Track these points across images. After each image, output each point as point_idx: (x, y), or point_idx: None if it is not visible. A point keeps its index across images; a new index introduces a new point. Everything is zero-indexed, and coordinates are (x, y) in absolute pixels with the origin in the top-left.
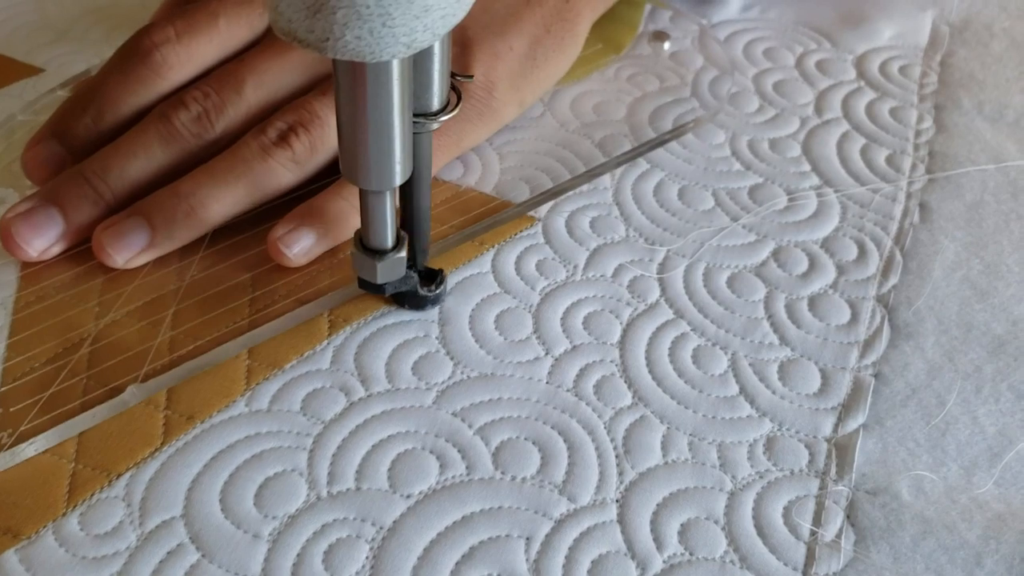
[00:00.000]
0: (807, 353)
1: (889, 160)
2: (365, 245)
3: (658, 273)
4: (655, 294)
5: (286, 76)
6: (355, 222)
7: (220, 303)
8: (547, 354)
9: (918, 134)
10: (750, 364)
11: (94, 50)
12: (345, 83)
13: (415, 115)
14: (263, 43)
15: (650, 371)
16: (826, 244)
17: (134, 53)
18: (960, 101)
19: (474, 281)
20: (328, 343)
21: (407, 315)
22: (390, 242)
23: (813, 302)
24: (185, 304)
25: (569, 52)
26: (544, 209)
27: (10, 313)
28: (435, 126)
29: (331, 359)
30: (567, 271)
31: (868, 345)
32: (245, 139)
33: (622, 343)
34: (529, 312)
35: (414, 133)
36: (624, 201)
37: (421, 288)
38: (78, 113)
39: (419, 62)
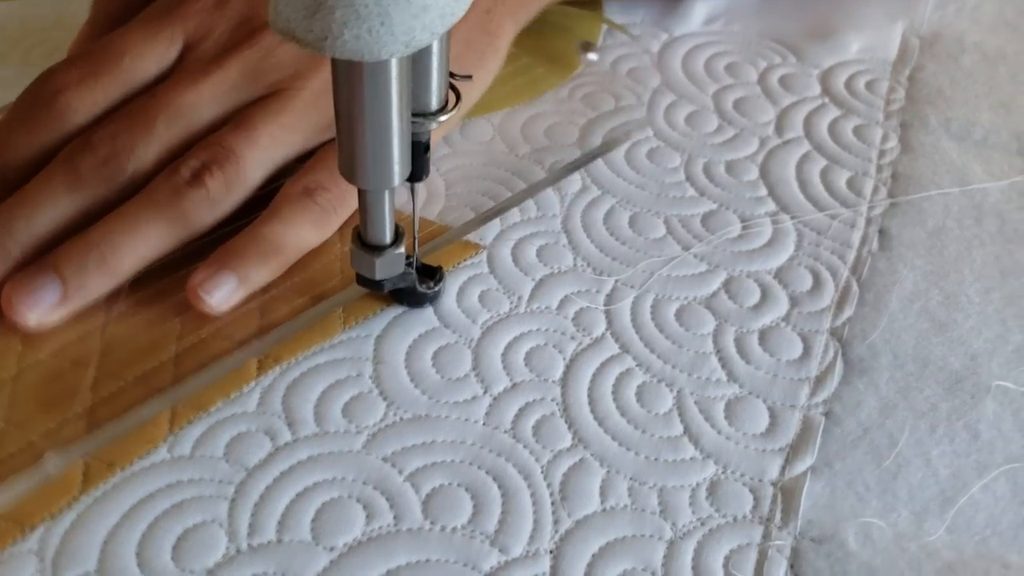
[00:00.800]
0: (756, 390)
1: (850, 183)
2: (363, 241)
3: (605, 305)
4: (601, 327)
5: (200, 110)
6: (279, 263)
7: (144, 358)
8: (485, 393)
9: (882, 154)
10: (696, 402)
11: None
12: (343, 82)
13: (413, 114)
14: (174, 76)
15: (592, 410)
16: (780, 274)
17: (36, 98)
18: (927, 119)
19: (413, 315)
20: (256, 384)
21: (340, 352)
22: (388, 238)
23: (764, 336)
24: (106, 361)
25: (490, 66)
26: (491, 236)
27: None
28: (434, 125)
29: (258, 401)
30: (511, 303)
31: (820, 382)
32: (157, 180)
33: (564, 380)
34: (469, 348)
35: (412, 132)
36: (573, 228)
37: (420, 285)
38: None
39: (418, 61)
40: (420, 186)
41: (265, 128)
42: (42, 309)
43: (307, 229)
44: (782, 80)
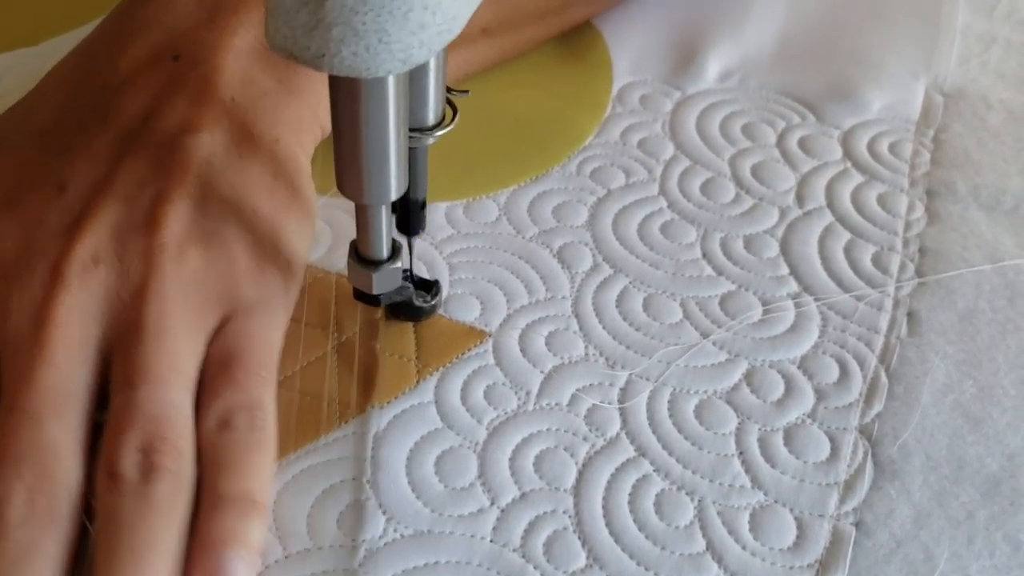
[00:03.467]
0: (781, 498)
1: (875, 260)
2: (360, 256)
3: (619, 401)
4: (615, 427)
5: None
6: (261, 517)
7: None
8: (493, 504)
9: (908, 226)
10: (719, 513)
11: None
12: (341, 99)
13: (411, 130)
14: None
15: (607, 524)
16: (804, 364)
17: None
18: (954, 185)
19: (414, 415)
20: None
21: (334, 452)
22: (386, 253)
23: (789, 435)
24: None
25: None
26: (496, 321)
27: None
28: (431, 140)
29: None
30: (519, 399)
31: (849, 487)
32: (102, 494)
33: (577, 489)
34: (474, 452)
35: (410, 148)
36: (584, 313)
37: (416, 299)
38: None
39: (415, 77)
40: (425, 271)
41: (155, 373)
42: None
43: (264, 464)
44: (801, 142)
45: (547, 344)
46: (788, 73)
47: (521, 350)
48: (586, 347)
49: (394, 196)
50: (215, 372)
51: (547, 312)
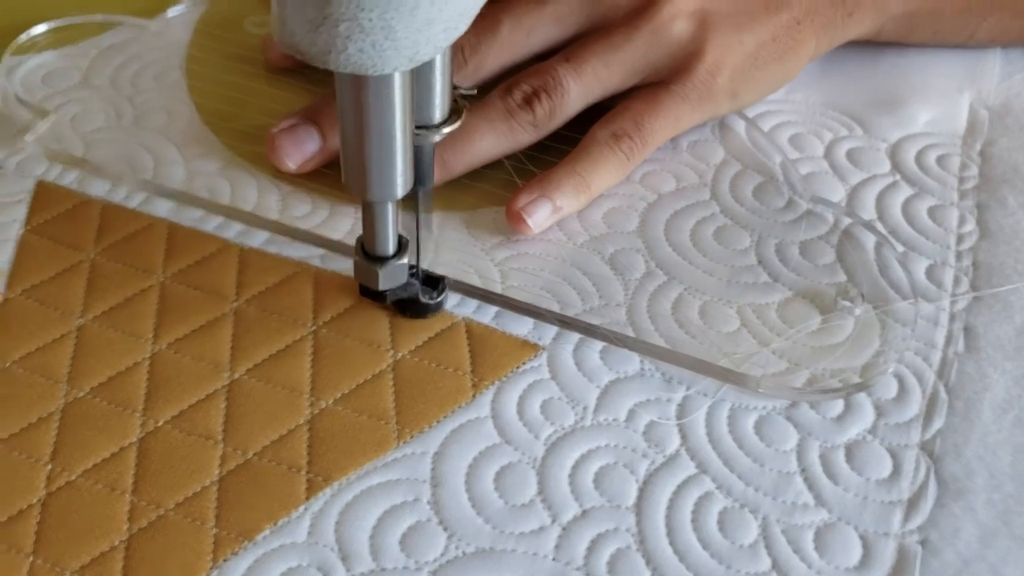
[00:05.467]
0: (845, 516)
1: (929, 273)
2: (367, 252)
3: (678, 417)
4: (674, 443)
5: (540, 25)
6: (587, 197)
7: (185, 481)
8: (554, 522)
9: (960, 239)
10: (783, 531)
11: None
12: (348, 95)
13: (417, 127)
14: None
15: (671, 542)
16: (862, 377)
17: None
18: (1004, 199)
19: (471, 429)
20: (305, 509)
21: (395, 472)
22: (391, 249)
23: (850, 451)
24: (144, 484)
25: (788, 66)
26: (549, 335)
27: None
28: (437, 138)
29: (308, 529)
30: (576, 414)
31: (912, 505)
32: (492, 98)
33: (639, 506)
34: (533, 468)
35: (416, 145)
36: (639, 323)
37: (422, 295)
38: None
39: (421, 75)
40: (477, 280)
41: (591, 64)
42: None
43: (611, 172)
44: (850, 154)
45: (602, 358)
46: (833, 86)
47: (576, 363)
48: (641, 361)
49: (400, 193)
50: (631, 100)
51: (601, 321)
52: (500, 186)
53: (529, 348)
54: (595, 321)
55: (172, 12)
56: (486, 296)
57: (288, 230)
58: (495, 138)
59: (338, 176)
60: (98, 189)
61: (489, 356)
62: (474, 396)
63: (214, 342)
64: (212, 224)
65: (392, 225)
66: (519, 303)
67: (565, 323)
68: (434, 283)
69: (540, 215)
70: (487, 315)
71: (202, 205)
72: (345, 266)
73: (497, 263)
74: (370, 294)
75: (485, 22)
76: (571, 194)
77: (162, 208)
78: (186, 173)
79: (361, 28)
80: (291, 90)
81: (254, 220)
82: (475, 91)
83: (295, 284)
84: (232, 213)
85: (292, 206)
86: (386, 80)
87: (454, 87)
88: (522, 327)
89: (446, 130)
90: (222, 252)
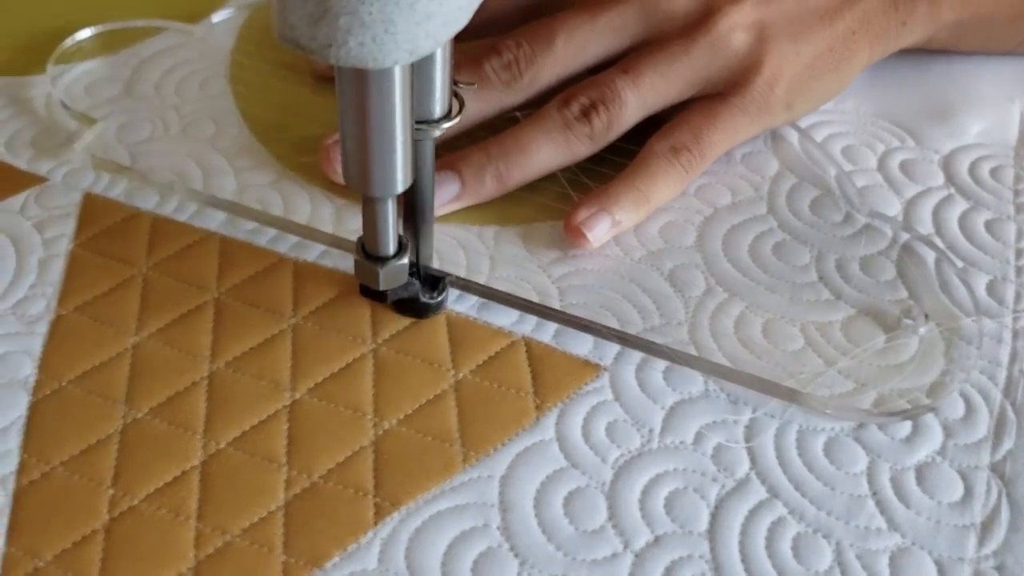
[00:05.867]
0: (919, 540)
1: (990, 289)
2: (367, 252)
3: (746, 440)
4: (744, 467)
5: (594, 38)
6: (646, 211)
7: (250, 505)
8: (626, 548)
9: (1019, 254)
10: (857, 556)
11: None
12: (347, 89)
13: (417, 122)
14: (577, 4)
15: (746, 569)
16: (930, 397)
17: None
18: None
19: (537, 452)
20: (374, 534)
21: (463, 496)
22: (392, 249)
23: (921, 474)
24: (209, 509)
25: (842, 76)
26: (611, 354)
27: (10, 494)
28: (437, 133)
29: (378, 556)
30: (642, 437)
31: (986, 529)
32: (549, 110)
33: (711, 532)
34: (602, 492)
35: (416, 140)
36: (702, 342)
37: (423, 295)
38: None
39: (421, 69)
40: (534, 297)
41: (648, 76)
42: (439, 203)
43: (670, 186)
44: (903, 166)
45: (665, 378)
46: (883, 95)
47: (639, 384)
48: (705, 381)
49: (400, 188)
50: (689, 112)
51: (663, 340)
52: (555, 199)
53: (591, 368)
54: (657, 340)
55: (216, 17)
56: (544, 313)
57: (343, 243)
58: (552, 150)
59: None
60: (147, 202)
61: (550, 376)
62: (537, 418)
63: (273, 360)
64: (265, 237)
65: (392, 224)
66: (579, 320)
67: (626, 341)
68: (434, 282)
69: (599, 229)
70: (547, 333)
71: (255, 217)
72: None
73: (555, 279)
74: (371, 294)
75: (539, 35)
76: (630, 208)
77: (213, 221)
78: (237, 185)
79: (361, 22)
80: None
81: (308, 233)
82: (474, 84)
83: (352, 299)
84: (286, 225)
85: (346, 219)
86: (386, 74)
87: (454, 82)
88: (582, 346)
89: (446, 125)
90: (277, 266)
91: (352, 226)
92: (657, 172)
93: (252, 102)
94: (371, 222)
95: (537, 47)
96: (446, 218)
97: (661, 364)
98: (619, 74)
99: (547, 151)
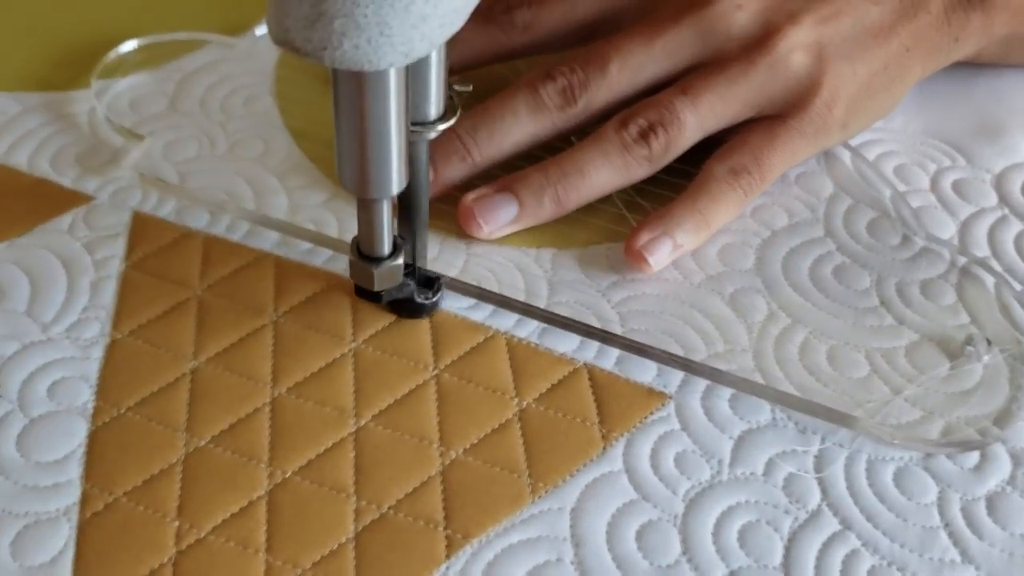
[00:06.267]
0: (994, 573)
1: None
2: (362, 253)
3: (816, 470)
4: (815, 498)
5: (650, 62)
6: (706, 235)
7: (320, 538)
8: None
9: None
10: None
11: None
12: (343, 91)
13: (413, 124)
14: (632, 27)
15: None
16: (997, 426)
17: (489, 8)
18: None
19: (606, 484)
20: (447, 568)
21: (534, 529)
22: (387, 249)
23: (991, 504)
24: (277, 543)
25: (895, 94)
26: (675, 384)
27: (75, 526)
28: (432, 135)
29: None
30: (711, 468)
31: None
32: (607, 131)
33: (786, 565)
34: (674, 526)
35: (411, 142)
36: (767, 369)
37: (418, 296)
38: None
39: (417, 71)
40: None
41: (707, 97)
42: (497, 225)
43: (730, 208)
44: (956, 186)
45: (732, 407)
46: (931, 111)
47: (706, 413)
48: (772, 409)
49: (395, 190)
50: (747, 134)
51: (727, 366)
52: (611, 221)
53: (656, 396)
54: (722, 367)
55: (260, 30)
56: (607, 339)
57: None
58: (610, 172)
59: (445, 210)
60: (197, 221)
61: (615, 405)
62: (604, 448)
63: (335, 386)
64: (321, 258)
65: (387, 225)
66: (643, 347)
67: (691, 369)
68: (429, 283)
69: (661, 253)
70: (609, 360)
71: (310, 238)
72: (461, 306)
73: (615, 304)
74: (366, 295)
75: (594, 60)
76: (692, 231)
77: (267, 241)
78: (289, 205)
79: (356, 24)
80: None
81: None
82: (470, 87)
83: (411, 324)
84: (341, 247)
85: None
86: (381, 76)
87: (449, 84)
88: (646, 373)
89: (441, 127)
90: (333, 289)
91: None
92: (718, 195)
93: (300, 119)
94: (366, 223)
95: (591, 72)
96: (502, 240)
97: (727, 392)
98: (678, 95)
99: (606, 173)
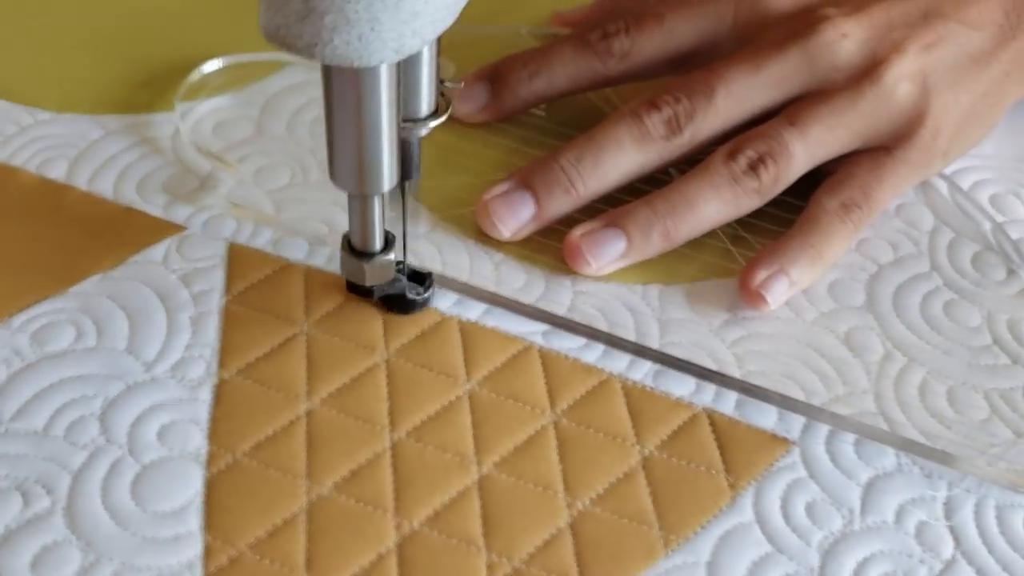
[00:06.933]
0: None
1: None
2: (353, 248)
3: (946, 517)
4: (949, 547)
5: (755, 92)
6: (821, 270)
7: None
8: None
9: None
10: None
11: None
12: (334, 88)
13: (404, 120)
14: (736, 56)
15: None
16: None
17: (585, 35)
18: None
19: (739, 535)
20: None
21: None
22: (378, 245)
23: None
24: (412, 569)
25: (992, 120)
26: (797, 429)
27: None
28: (423, 131)
29: None
30: (842, 516)
31: None
32: (715, 163)
33: None
34: None
35: (403, 138)
36: (890, 412)
37: (409, 291)
38: (516, 66)
39: (408, 68)
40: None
41: (816, 129)
42: (605, 261)
43: (841, 243)
44: None
45: (857, 451)
46: (1017, 135)
47: (831, 459)
48: (897, 456)
49: (387, 187)
50: (854, 167)
51: (851, 409)
52: (717, 255)
53: (779, 443)
54: (843, 411)
55: None
56: (726, 382)
57: (505, 302)
58: (720, 205)
59: (549, 243)
60: (295, 252)
61: (739, 452)
62: (733, 498)
63: (455, 430)
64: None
65: (379, 220)
66: (763, 391)
67: (814, 414)
68: (421, 279)
69: (778, 291)
70: (728, 404)
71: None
72: (571, 346)
73: (729, 344)
74: (357, 290)
75: (699, 89)
76: (806, 267)
77: None
78: None
79: (347, 20)
80: (488, 145)
81: (470, 291)
82: (461, 83)
83: (523, 365)
84: (446, 283)
85: (507, 276)
86: (372, 73)
87: (440, 80)
88: (766, 417)
89: (432, 123)
90: (442, 326)
91: (514, 283)
92: (829, 229)
93: None
94: (357, 219)
95: (697, 101)
96: (607, 276)
97: (849, 436)
98: (786, 126)
99: (715, 206)
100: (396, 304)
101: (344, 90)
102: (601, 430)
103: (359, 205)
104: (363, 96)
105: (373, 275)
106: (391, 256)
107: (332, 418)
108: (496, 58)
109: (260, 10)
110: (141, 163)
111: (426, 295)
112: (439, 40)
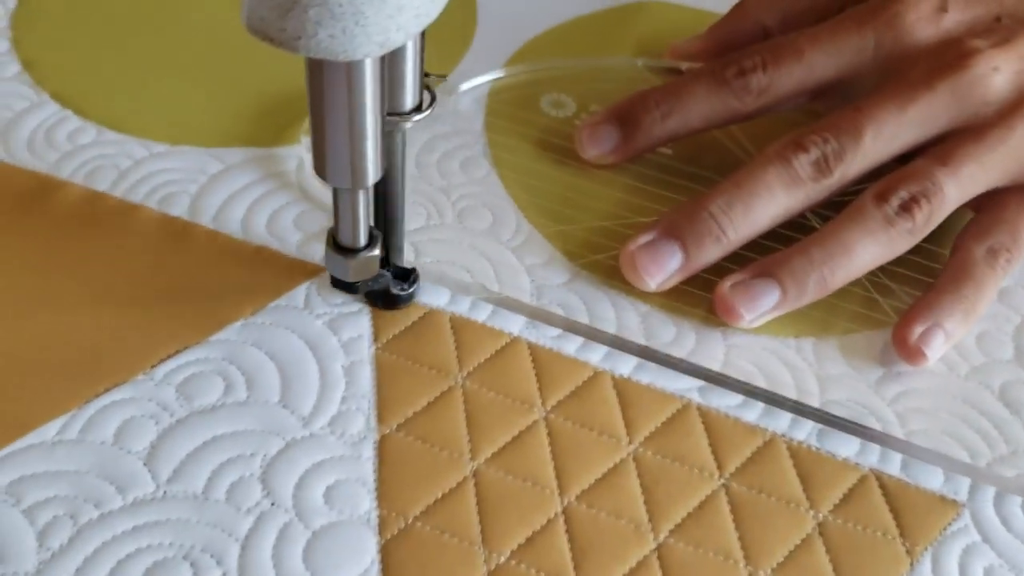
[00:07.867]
0: None
1: None
2: (338, 243)
3: None
4: None
5: (904, 130)
6: (974, 319)
7: None
8: None
9: None
10: None
11: None
12: (317, 82)
13: (388, 114)
14: (882, 92)
15: None
16: None
17: (720, 72)
18: None
19: None
20: None
21: None
22: (362, 240)
23: None
24: None
25: None
26: (964, 491)
27: None
28: (408, 125)
29: None
30: None
31: None
32: (866, 205)
33: None
34: None
35: (387, 132)
36: None
37: (393, 287)
38: (648, 106)
39: (392, 62)
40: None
41: (967, 166)
42: (759, 313)
43: (992, 292)
44: None
45: None
46: None
47: (1003, 522)
48: None
49: (371, 181)
50: (1002, 210)
51: (1017, 470)
52: (862, 304)
53: (950, 506)
54: (1009, 473)
55: (465, 84)
56: (892, 443)
57: (657, 356)
58: (876, 249)
59: (695, 291)
60: (437, 298)
61: (912, 516)
62: (912, 564)
63: (625, 496)
64: (573, 345)
65: (363, 215)
66: (929, 452)
67: (979, 475)
68: (405, 274)
69: (935, 345)
70: (894, 465)
71: (559, 324)
72: (730, 404)
73: (889, 401)
74: (341, 286)
75: (846, 129)
76: (960, 320)
77: (514, 323)
78: (532, 285)
79: (331, 13)
80: (607, 183)
81: (619, 344)
82: (446, 76)
83: (684, 425)
84: (594, 335)
85: (655, 329)
86: (357, 67)
87: (425, 74)
88: (933, 478)
89: (417, 117)
90: (595, 382)
91: (664, 338)
92: (980, 279)
93: (522, 188)
94: (341, 213)
95: (846, 142)
96: (759, 329)
97: (1016, 498)
98: (937, 166)
99: (870, 250)
100: (380, 300)
101: (328, 84)
102: (773, 494)
103: (343, 199)
104: (347, 90)
105: (357, 271)
106: (375, 252)
107: (499, 480)
108: (613, 92)
109: (242, 2)
110: (270, 199)
111: (410, 290)
112: (423, 34)
